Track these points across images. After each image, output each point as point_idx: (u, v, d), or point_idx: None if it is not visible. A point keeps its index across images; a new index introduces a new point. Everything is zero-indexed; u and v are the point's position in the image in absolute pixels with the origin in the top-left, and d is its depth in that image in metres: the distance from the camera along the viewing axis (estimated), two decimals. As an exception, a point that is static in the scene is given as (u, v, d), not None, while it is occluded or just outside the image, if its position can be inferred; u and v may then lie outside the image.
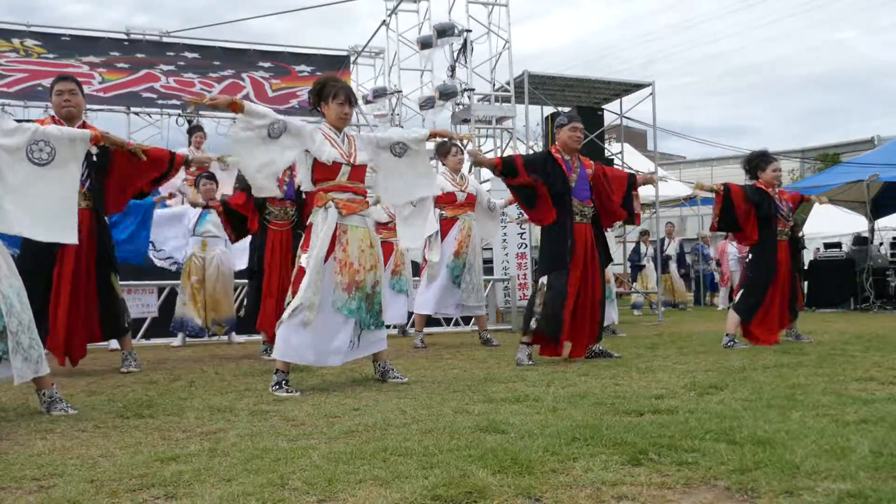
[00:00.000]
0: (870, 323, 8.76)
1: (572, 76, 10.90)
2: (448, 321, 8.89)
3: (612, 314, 7.32)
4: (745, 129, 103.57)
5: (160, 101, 11.56)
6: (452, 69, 10.06)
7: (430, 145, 5.52)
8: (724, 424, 2.72)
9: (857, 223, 14.40)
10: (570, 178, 5.14)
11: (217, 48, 12.47)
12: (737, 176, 8.57)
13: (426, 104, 10.33)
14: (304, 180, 4.18)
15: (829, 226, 15.57)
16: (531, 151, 11.27)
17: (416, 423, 2.92)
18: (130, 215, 6.43)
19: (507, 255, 9.05)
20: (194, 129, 9.39)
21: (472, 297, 6.71)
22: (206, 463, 2.35)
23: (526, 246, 9.11)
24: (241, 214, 6.01)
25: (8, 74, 10.96)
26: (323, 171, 4.07)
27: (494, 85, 10.21)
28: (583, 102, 11.33)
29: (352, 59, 13.30)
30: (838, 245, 13.88)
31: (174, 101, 11.31)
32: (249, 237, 6.32)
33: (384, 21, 12.08)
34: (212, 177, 7.00)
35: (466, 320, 8.98)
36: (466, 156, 6.13)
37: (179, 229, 7.44)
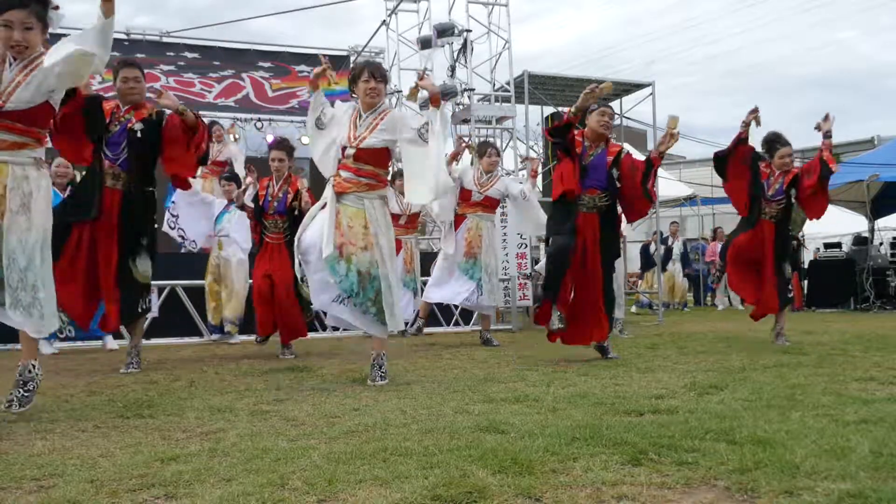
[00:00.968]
0: (870, 323, 8.76)
1: (572, 76, 10.88)
2: (448, 321, 8.90)
3: (618, 312, 7.31)
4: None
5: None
6: (452, 69, 10.06)
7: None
8: (724, 424, 2.72)
9: (857, 223, 14.40)
10: (577, 164, 5.01)
11: (217, 48, 12.45)
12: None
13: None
14: None
15: (829, 226, 15.51)
16: (531, 151, 11.29)
17: (416, 423, 2.92)
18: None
19: (507, 255, 9.04)
20: (211, 124, 9.39)
21: (488, 298, 6.77)
22: (206, 463, 2.35)
23: (526, 246, 9.10)
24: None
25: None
26: (341, 150, 4.31)
27: (494, 85, 10.21)
28: (583, 102, 11.31)
29: (352, 59, 13.27)
30: (838, 245, 13.88)
31: None
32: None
33: (384, 21, 12.07)
34: (232, 178, 7.05)
35: (466, 320, 8.99)
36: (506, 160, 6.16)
37: (206, 215, 7.42)
